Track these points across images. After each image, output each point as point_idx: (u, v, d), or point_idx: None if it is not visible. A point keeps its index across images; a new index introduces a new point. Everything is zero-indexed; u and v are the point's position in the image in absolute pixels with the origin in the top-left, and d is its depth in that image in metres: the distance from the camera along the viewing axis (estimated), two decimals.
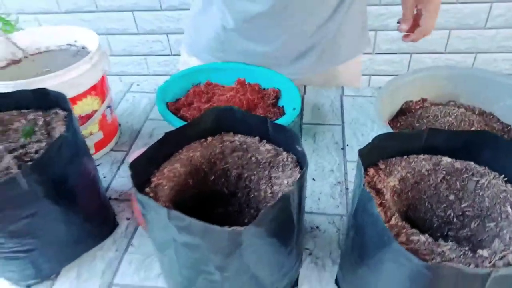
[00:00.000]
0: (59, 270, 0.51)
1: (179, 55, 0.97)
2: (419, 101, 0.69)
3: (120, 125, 0.76)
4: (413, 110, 0.69)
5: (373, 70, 1.57)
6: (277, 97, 0.75)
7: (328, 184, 0.62)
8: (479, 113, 0.67)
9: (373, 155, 0.43)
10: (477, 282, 0.29)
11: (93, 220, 0.52)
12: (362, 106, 0.78)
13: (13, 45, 0.68)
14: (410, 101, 0.69)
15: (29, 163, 0.44)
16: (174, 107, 0.72)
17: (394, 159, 0.43)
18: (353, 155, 0.67)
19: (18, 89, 0.52)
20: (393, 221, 0.36)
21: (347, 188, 0.61)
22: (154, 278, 0.50)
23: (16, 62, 0.69)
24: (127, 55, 1.65)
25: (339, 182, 0.62)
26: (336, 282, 0.48)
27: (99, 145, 0.68)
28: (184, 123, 0.65)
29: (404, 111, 0.69)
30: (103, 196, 0.55)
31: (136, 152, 0.62)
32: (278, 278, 0.42)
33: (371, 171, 0.42)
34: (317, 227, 0.55)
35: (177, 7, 1.50)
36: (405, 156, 0.44)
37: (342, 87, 0.84)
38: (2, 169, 0.43)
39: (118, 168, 0.67)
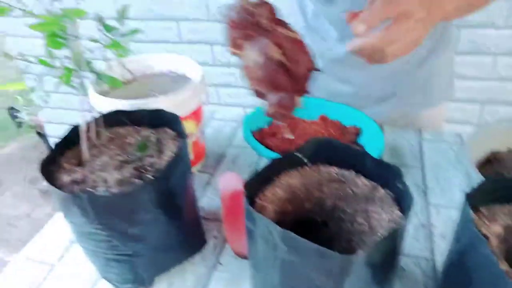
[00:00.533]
0: (154, 279, 0.54)
1: None
2: (508, 151, 0.68)
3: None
4: (501, 160, 0.67)
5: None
6: (357, 135, 0.77)
7: (412, 226, 0.61)
8: None
9: (476, 199, 0.43)
10: None
11: (188, 234, 0.55)
12: (442, 151, 0.78)
13: (124, 68, 0.76)
14: (498, 151, 0.68)
15: (150, 175, 0.48)
16: (259, 136, 0.76)
17: (497, 205, 0.43)
18: (436, 198, 0.67)
19: (134, 108, 0.58)
20: (502, 267, 0.36)
21: (431, 232, 0.60)
22: None
23: (124, 83, 0.76)
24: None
25: (422, 225, 0.62)
26: None
27: None
28: (268, 151, 0.69)
29: (490, 160, 0.69)
30: (198, 212, 0.58)
31: (227, 175, 0.65)
32: None
33: (475, 218, 0.42)
34: (403, 269, 0.54)
35: None
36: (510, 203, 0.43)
37: (420, 130, 0.84)
38: (124, 178, 0.48)
39: (204, 189, 0.71)
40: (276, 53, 0.36)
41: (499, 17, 1.33)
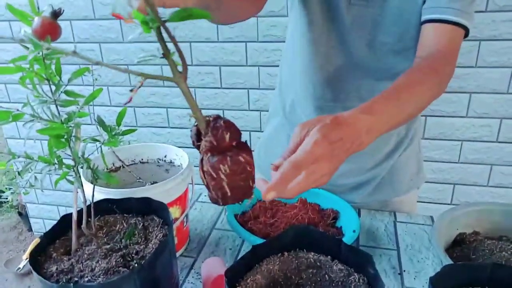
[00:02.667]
0: None
1: None
2: (473, 233, 0.72)
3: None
4: (468, 242, 0.71)
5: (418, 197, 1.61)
6: (335, 218, 0.81)
7: None
8: None
9: (439, 284, 0.46)
10: None
11: None
12: (416, 233, 0.81)
13: (115, 157, 0.80)
14: (464, 233, 0.72)
15: (136, 263, 0.50)
16: (242, 220, 0.79)
17: None
18: (411, 281, 0.69)
19: (124, 195, 0.61)
20: None
21: None
22: None
23: (114, 170, 0.80)
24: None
25: None
26: None
27: None
28: (251, 235, 0.72)
29: (458, 242, 0.72)
30: None
31: (210, 260, 0.67)
32: None
33: None
34: None
35: None
36: None
37: (395, 213, 0.88)
38: (111, 267, 0.50)
39: (188, 273, 0.72)
40: (199, 172, 0.41)
41: (463, 108, 1.47)
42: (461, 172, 1.54)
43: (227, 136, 0.38)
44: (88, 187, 0.66)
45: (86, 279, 0.48)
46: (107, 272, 0.49)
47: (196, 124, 0.40)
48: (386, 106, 0.58)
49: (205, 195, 0.97)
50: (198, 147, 0.40)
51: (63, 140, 0.45)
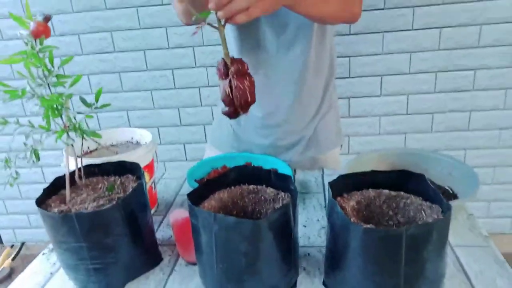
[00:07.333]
0: (124, 286, 0.67)
1: None
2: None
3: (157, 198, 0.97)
4: None
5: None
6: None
7: (316, 229, 0.81)
8: None
9: (338, 189, 0.64)
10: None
11: (148, 250, 0.70)
12: None
13: (92, 141, 0.93)
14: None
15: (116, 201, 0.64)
16: (200, 183, 0.94)
17: (353, 191, 0.65)
18: None
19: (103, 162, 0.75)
20: (352, 220, 0.56)
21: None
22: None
23: (93, 151, 0.93)
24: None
25: (323, 227, 0.81)
26: (324, 284, 0.64)
27: None
28: None
29: None
30: (155, 238, 0.73)
31: (176, 211, 0.82)
32: (282, 275, 0.60)
33: (338, 199, 0.63)
34: (309, 254, 0.72)
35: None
36: (360, 190, 0.65)
37: (323, 169, 1.08)
38: (99, 206, 0.64)
39: (159, 225, 0.86)
40: (227, 90, 0.64)
41: (377, 89, 1.72)
42: (382, 142, 1.79)
43: (246, 65, 0.65)
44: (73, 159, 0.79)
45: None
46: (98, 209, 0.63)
47: (223, 58, 0.64)
48: None
49: (168, 174, 1.11)
50: (223, 75, 0.65)
51: (56, 112, 0.59)
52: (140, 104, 1.83)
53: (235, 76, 0.64)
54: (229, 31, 0.97)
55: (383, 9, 1.61)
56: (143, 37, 1.71)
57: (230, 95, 0.65)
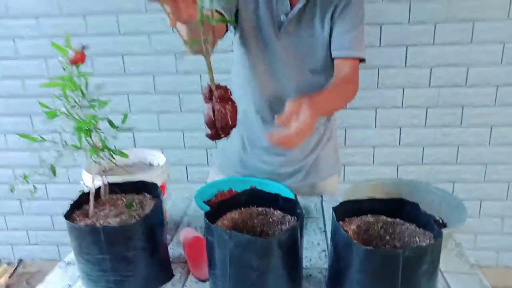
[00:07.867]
0: None
1: None
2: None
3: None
4: None
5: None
6: None
7: (316, 252, 0.86)
8: None
9: (340, 214, 0.70)
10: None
11: (162, 265, 0.75)
12: None
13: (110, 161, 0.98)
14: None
15: (138, 218, 0.70)
16: (208, 204, 1.00)
17: (353, 217, 0.71)
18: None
19: (123, 180, 0.81)
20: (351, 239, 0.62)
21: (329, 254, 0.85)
22: None
23: (110, 169, 0.98)
24: None
25: (323, 251, 0.87)
26: None
27: None
28: None
29: None
30: (168, 254, 0.78)
31: (186, 229, 0.87)
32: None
33: (340, 223, 0.69)
34: (310, 275, 0.78)
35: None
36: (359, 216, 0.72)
37: (322, 196, 1.14)
38: (121, 221, 0.69)
39: (170, 242, 0.91)
40: (210, 113, 0.69)
41: (372, 121, 1.82)
42: (375, 173, 1.87)
43: (229, 92, 0.70)
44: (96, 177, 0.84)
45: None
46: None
47: (209, 84, 0.69)
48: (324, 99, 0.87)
49: (174, 194, 1.17)
50: (207, 99, 0.70)
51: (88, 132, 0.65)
52: (146, 126, 1.90)
53: (218, 101, 0.68)
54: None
55: (379, 46, 1.73)
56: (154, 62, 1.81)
57: (213, 118, 0.69)
